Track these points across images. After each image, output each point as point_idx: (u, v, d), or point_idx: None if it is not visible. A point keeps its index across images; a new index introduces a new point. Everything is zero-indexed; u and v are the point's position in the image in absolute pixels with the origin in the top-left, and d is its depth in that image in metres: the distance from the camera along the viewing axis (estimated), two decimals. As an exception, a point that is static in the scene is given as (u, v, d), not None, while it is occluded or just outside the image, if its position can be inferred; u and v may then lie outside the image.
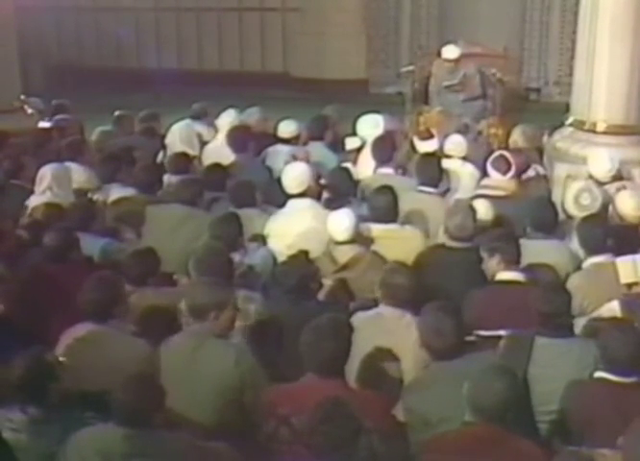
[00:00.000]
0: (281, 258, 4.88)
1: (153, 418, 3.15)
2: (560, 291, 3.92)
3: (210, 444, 3.28)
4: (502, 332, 4.06)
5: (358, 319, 4.06)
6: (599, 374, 3.52)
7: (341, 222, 4.89)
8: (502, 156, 6.18)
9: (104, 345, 3.94)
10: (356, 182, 6.02)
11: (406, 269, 4.26)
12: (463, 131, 7.61)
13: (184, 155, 6.85)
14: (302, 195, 5.40)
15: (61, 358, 3.76)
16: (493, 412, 3.10)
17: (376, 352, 3.94)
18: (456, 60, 8.23)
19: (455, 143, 6.77)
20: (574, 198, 5.46)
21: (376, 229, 5.10)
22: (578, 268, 4.78)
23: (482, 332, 4.13)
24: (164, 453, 3.11)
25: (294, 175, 5.47)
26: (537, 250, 4.64)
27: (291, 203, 5.42)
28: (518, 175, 6.37)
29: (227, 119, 7.60)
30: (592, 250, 4.69)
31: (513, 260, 4.49)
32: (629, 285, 4.50)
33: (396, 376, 3.91)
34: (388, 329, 4.00)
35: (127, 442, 3.09)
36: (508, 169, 6.04)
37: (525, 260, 4.60)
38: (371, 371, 3.93)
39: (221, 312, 3.79)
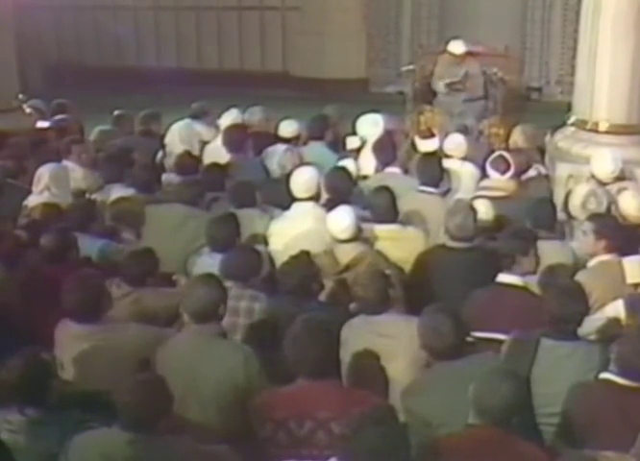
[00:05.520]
0: (281, 259, 4.86)
1: (159, 423, 3.12)
2: (579, 299, 3.86)
3: (213, 447, 3.25)
4: (498, 335, 4.07)
5: (353, 322, 4.06)
6: (604, 375, 3.50)
7: (341, 220, 4.90)
8: (501, 156, 6.20)
9: (111, 339, 3.93)
10: (355, 183, 6.00)
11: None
12: (463, 131, 7.59)
13: (191, 155, 6.84)
14: (309, 199, 5.39)
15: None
16: (499, 415, 3.08)
17: (361, 354, 3.94)
18: (460, 60, 8.20)
19: (455, 143, 6.76)
20: (581, 203, 5.46)
21: (378, 229, 5.09)
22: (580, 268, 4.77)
23: (479, 334, 4.12)
24: (168, 458, 3.09)
25: (303, 180, 5.45)
26: (540, 250, 4.61)
27: (296, 206, 5.40)
28: (518, 175, 6.38)
29: (229, 119, 7.59)
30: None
31: (618, 247, 4.63)
32: (635, 285, 4.49)
33: (382, 376, 3.91)
34: (382, 332, 3.99)
35: (131, 447, 3.07)
36: (507, 169, 6.05)
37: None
38: (358, 372, 3.93)
39: (225, 308, 3.81)
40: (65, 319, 4.07)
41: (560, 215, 5.52)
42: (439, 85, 8.26)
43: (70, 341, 3.98)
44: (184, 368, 3.66)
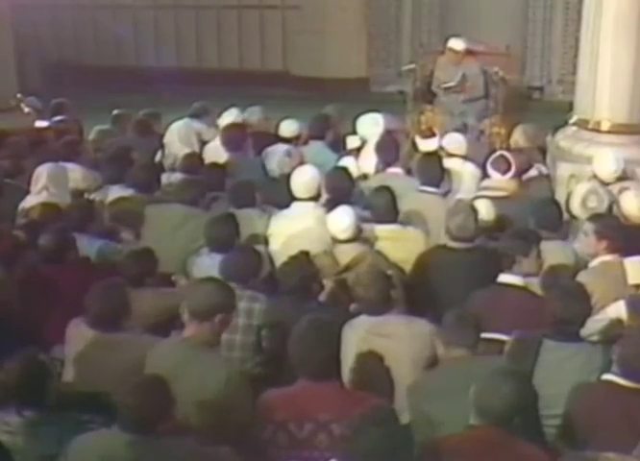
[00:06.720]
0: (280, 258, 4.83)
1: (159, 425, 3.09)
2: (582, 300, 3.85)
3: (214, 448, 3.21)
4: (499, 336, 4.05)
5: (354, 323, 4.04)
6: (606, 376, 3.49)
7: (341, 221, 4.89)
8: (502, 156, 6.19)
9: (121, 348, 3.88)
10: (355, 183, 5.98)
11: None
12: (463, 130, 7.58)
13: (199, 157, 6.82)
14: (310, 199, 5.38)
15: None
16: (499, 415, 3.06)
17: (365, 355, 3.91)
18: (459, 57, 8.20)
19: (456, 141, 6.74)
20: (581, 201, 5.46)
21: (378, 229, 5.08)
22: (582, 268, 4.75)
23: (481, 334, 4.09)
24: (168, 460, 3.06)
25: (304, 180, 5.44)
26: (542, 250, 4.59)
27: (296, 205, 5.39)
28: (519, 175, 6.35)
29: (229, 118, 7.57)
30: None
31: (619, 247, 4.61)
32: (637, 286, 4.49)
33: (388, 377, 3.89)
34: (383, 333, 3.97)
35: (130, 448, 3.04)
36: (508, 169, 6.04)
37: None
38: (361, 373, 3.90)
39: (226, 315, 3.67)
40: (79, 320, 4.04)
41: (563, 215, 5.50)
42: (436, 90, 8.30)
43: (83, 344, 3.94)
44: (167, 376, 3.56)
